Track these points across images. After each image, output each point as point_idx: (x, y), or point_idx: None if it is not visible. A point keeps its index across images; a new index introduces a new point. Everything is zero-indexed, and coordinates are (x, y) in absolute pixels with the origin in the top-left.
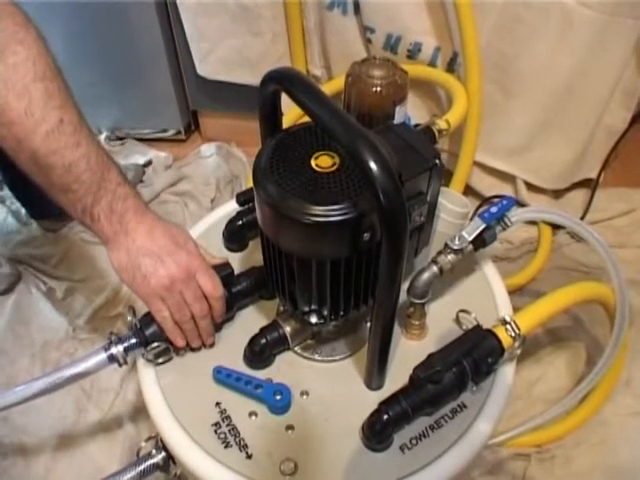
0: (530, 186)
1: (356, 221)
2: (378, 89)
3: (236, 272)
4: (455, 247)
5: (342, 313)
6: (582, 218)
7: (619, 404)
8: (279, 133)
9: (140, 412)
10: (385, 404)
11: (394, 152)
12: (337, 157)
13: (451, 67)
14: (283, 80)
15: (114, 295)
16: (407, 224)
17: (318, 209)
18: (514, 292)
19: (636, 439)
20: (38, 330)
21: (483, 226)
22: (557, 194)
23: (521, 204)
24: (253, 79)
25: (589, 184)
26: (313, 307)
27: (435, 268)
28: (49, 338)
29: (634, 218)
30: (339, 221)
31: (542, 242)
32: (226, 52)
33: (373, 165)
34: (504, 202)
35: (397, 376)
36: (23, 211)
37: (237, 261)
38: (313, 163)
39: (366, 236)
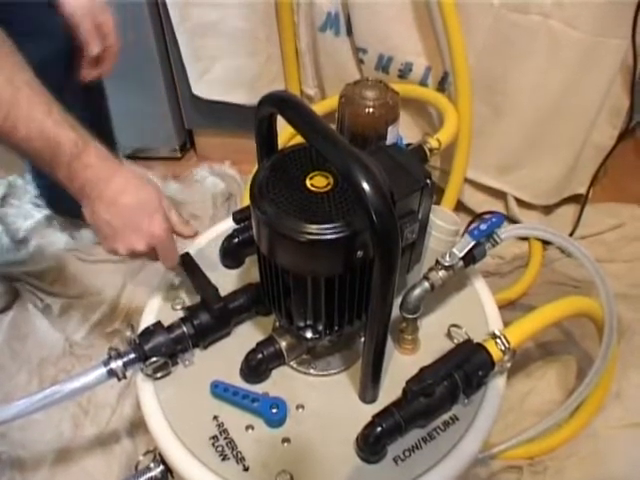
0: (521, 202)
1: (349, 239)
2: (371, 110)
3: (233, 289)
4: (446, 264)
5: (336, 328)
6: (572, 233)
7: (609, 416)
8: (275, 154)
9: (137, 427)
10: (379, 417)
11: (386, 172)
12: (331, 177)
13: (442, 86)
14: (279, 103)
15: (111, 311)
16: (399, 243)
17: (313, 228)
18: (506, 307)
19: (626, 451)
20: (35, 347)
21: (473, 243)
22: (547, 210)
23: (512, 220)
24: (248, 99)
25: (579, 199)
26: (308, 322)
27: (427, 284)
28: (46, 355)
29: (623, 233)
30: (333, 239)
31: (533, 257)
32: (221, 72)
33: (366, 186)
34: (493, 219)
35: (391, 389)
36: (23, 227)
37: (234, 278)
38: (308, 183)
39: (359, 254)
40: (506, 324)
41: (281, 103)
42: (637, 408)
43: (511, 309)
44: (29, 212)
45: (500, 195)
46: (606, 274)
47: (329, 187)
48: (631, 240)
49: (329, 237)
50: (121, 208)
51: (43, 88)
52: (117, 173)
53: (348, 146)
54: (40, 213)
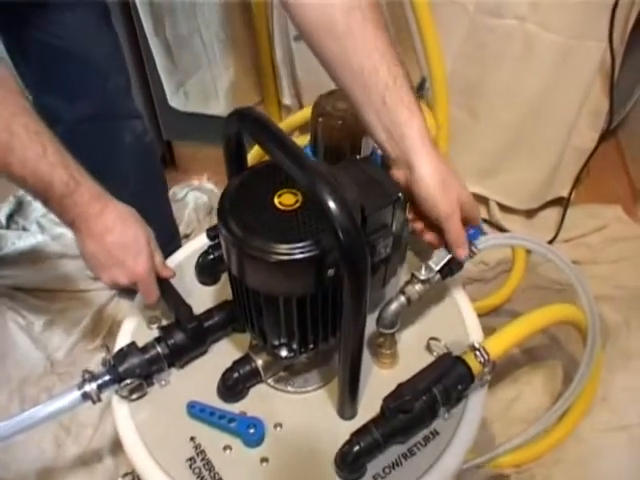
0: (503, 207)
1: (320, 258)
2: (344, 121)
3: (209, 306)
4: (422, 277)
5: (311, 346)
6: (555, 236)
7: (596, 420)
8: (243, 171)
9: (119, 446)
10: (356, 435)
11: (357, 187)
12: (300, 195)
13: (419, 92)
14: (244, 121)
15: (93, 326)
16: (367, 261)
17: (282, 247)
18: (490, 312)
19: (613, 454)
20: (15, 366)
21: (449, 257)
22: (530, 213)
23: (494, 225)
24: (225, 111)
25: (561, 202)
26: (282, 341)
27: (403, 298)
28: (27, 374)
29: (606, 234)
30: (303, 259)
31: (516, 262)
32: (197, 84)
33: (331, 204)
34: (470, 232)
35: (370, 405)
36: (17, 245)
37: (210, 295)
38: (276, 201)
39: (330, 272)
40: (490, 330)
41: (246, 121)
42: (623, 411)
43: (495, 315)
44: (30, 232)
45: (482, 200)
46: (590, 276)
47: (297, 205)
48: (614, 241)
49: (299, 257)
50: (108, 245)
51: (42, 127)
52: (107, 211)
53: (313, 164)
54: (41, 234)
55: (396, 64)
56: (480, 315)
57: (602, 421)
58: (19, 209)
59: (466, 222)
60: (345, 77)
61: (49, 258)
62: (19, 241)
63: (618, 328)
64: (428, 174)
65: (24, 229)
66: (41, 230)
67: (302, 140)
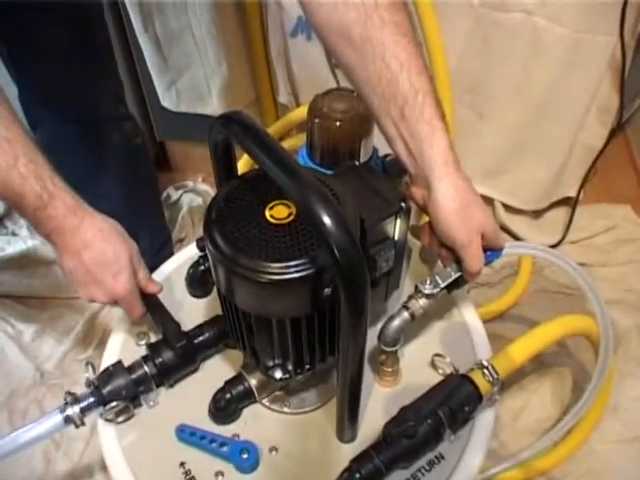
0: (508, 207)
1: (315, 277)
2: (341, 123)
3: (200, 320)
4: (426, 292)
5: (308, 367)
6: (563, 238)
7: (607, 431)
8: (232, 180)
9: None
10: (356, 461)
11: (356, 196)
12: (293, 207)
13: None
14: (231, 127)
15: (84, 335)
16: (367, 280)
17: (274, 266)
18: (496, 318)
19: (624, 467)
20: (4, 377)
21: (458, 275)
22: (537, 214)
23: (500, 227)
24: (218, 110)
25: (569, 202)
26: (276, 362)
27: (406, 314)
28: (16, 385)
29: (616, 235)
30: (297, 278)
31: (523, 265)
32: (190, 82)
33: (326, 220)
34: (488, 254)
35: (371, 426)
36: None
37: (201, 308)
38: (268, 214)
39: (327, 291)
40: (496, 337)
41: (233, 126)
42: (635, 422)
43: (501, 320)
44: (20, 237)
45: (487, 201)
46: (600, 279)
47: (291, 218)
48: (624, 242)
49: (293, 276)
50: (85, 262)
51: (17, 135)
52: (84, 225)
53: (306, 175)
54: (32, 239)
55: (419, 72)
56: (486, 321)
57: (613, 432)
58: (8, 213)
59: (487, 249)
60: (362, 85)
61: (39, 264)
62: (8, 247)
63: (628, 333)
64: (447, 199)
65: (14, 234)
66: (31, 235)
67: (300, 139)
